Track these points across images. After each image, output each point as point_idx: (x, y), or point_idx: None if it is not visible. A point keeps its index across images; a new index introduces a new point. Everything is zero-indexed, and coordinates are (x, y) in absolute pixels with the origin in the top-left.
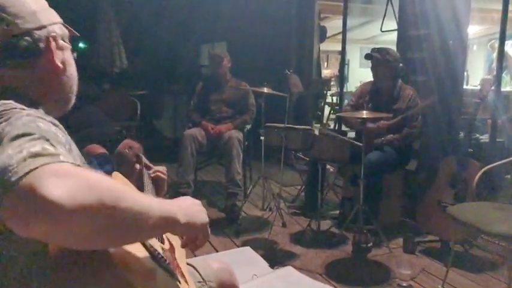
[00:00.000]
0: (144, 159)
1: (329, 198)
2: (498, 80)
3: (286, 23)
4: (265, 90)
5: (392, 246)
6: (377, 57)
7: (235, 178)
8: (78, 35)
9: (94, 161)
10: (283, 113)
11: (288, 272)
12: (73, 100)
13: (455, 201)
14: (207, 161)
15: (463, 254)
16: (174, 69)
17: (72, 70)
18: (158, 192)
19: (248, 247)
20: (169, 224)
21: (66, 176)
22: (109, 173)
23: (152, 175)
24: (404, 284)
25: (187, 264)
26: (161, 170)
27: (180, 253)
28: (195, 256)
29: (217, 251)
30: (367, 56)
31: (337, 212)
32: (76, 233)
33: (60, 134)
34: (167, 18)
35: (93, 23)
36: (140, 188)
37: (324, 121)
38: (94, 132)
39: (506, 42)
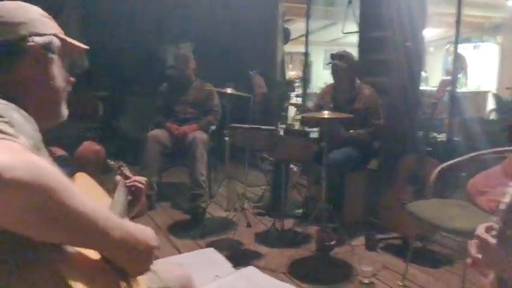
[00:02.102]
0: (126, 170)
1: (293, 197)
2: (453, 82)
3: (250, 25)
4: (229, 90)
5: (355, 244)
6: (337, 64)
7: (200, 179)
8: (84, 47)
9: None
10: (248, 113)
11: (250, 271)
12: (60, 115)
13: (415, 198)
14: (171, 162)
15: (422, 249)
16: (138, 70)
17: (56, 84)
18: (135, 203)
19: (211, 248)
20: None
21: (17, 152)
22: (69, 175)
23: (129, 184)
24: (366, 281)
25: None
26: (139, 179)
27: None
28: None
29: (180, 253)
30: (330, 63)
31: (301, 211)
32: (11, 206)
33: (31, 130)
34: (132, 18)
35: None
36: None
37: (289, 121)
38: (53, 134)
39: (462, 45)
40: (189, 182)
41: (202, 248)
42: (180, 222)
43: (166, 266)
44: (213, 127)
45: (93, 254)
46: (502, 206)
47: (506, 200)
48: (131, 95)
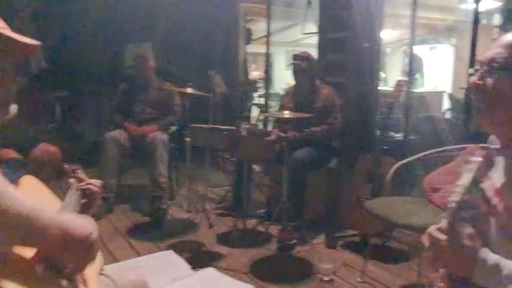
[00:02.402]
0: (80, 173)
1: (256, 197)
2: (409, 82)
3: (211, 24)
4: (189, 90)
5: (315, 242)
6: (299, 65)
7: (160, 181)
8: (32, 42)
9: (5, 166)
10: (208, 113)
11: (208, 273)
12: (5, 111)
13: (373, 196)
14: (131, 164)
15: (381, 246)
16: (96, 70)
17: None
18: (89, 206)
19: (170, 250)
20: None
21: None
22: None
23: (83, 187)
24: (326, 278)
25: (101, 274)
26: (93, 182)
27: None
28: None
29: (140, 256)
30: (292, 63)
31: (264, 210)
32: None
33: None
34: (90, 17)
35: (8, 22)
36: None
37: (253, 122)
38: (7, 135)
39: (418, 46)
40: (149, 183)
41: (162, 250)
42: (140, 224)
43: (120, 271)
44: (174, 127)
45: (29, 253)
46: (450, 204)
47: (454, 198)
48: (89, 95)
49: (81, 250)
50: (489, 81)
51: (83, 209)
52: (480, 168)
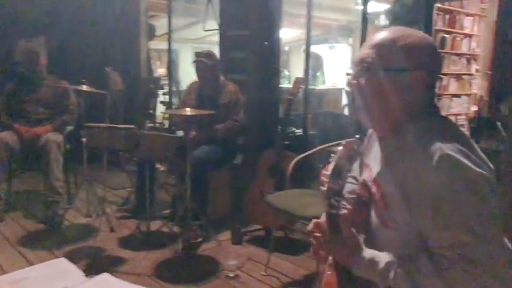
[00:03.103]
0: None
1: (162, 197)
2: (306, 80)
3: (110, 19)
4: (85, 88)
5: (221, 239)
6: (203, 61)
7: (55, 185)
8: None
9: None
10: (105, 112)
11: (103, 279)
12: None
13: (276, 190)
14: (22, 168)
15: (284, 239)
16: None
17: None
18: None
19: (62, 258)
20: None
21: None
22: None
23: None
24: (231, 275)
25: None
26: None
27: None
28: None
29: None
30: (195, 60)
31: (169, 211)
32: None
33: None
34: None
35: None
36: None
37: (159, 120)
38: None
39: (319, 45)
40: (43, 188)
41: (58, 258)
42: (34, 232)
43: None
44: (69, 127)
45: None
46: (322, 193)
47: (323, 187)
48: None
49: None
50: (361, 80)
51: None
52: (342, 158)
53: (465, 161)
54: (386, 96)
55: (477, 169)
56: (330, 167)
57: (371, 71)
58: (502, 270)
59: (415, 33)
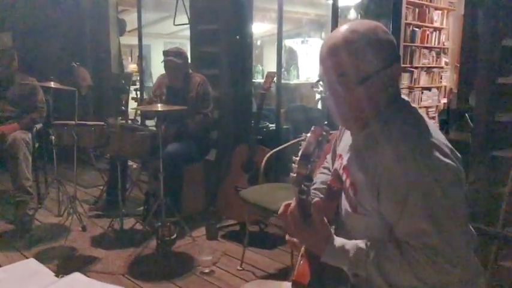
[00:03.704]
0: None
1: (134, 195)
2: (279, 74)
3: (78, 14)
4: (52, 84)
5: (196, 235)
6: (173, 61)
7: (24, 185)
8: None
9: None
10: (74, 109)
11: (74, 278)
12: None
13: (249, 185)
14: None
15: (259, 233)
16: None
17: None
18: None
19: (32, 259)
20: None
21: None
22: None
23: None
24: (206, 270)
25: None
26: None
27: None
28: None
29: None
30: (164, 60)
31: (142, 208)
32: None
33: None
34: None
35: None
36: None
37: (132, 116)
38: None
39: (292, 40)
40: (12, 188)
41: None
42: (4, 233)
43: None
44: (38, 125)
45: None
46: (292, 179)
47: (292, 173)
48: None
49: None
50: (328, 89)
51: None
52: (310, 143)
53: (431, 151)
54: (370, 101)
55: (443, 159)
56: (299, 152)
57: (348, 79)
58: (464, 258)
59: (369, 26)
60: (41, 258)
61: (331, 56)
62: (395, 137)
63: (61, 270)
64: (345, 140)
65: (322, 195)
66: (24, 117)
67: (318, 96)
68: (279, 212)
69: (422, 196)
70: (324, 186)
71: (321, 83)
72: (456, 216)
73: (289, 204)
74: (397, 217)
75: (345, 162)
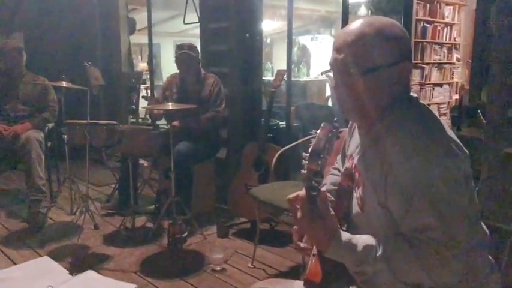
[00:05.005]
0: None
1: (145, 193)
2: (289, 72)
3: (88, 13)
4: (64, 84)
5: (207, 233)
6: (187, 53)
7: (38, 183)
8: None
9: None
10: (86, 108)
11: (87, 276)
12: None
13: (260, 183)
14: (3, 167)
15: (270, 231)
16: None
17: None
18: None
19: (46, 257)
20: None
21: None
22: None
23: None
24: (217, 268)
25: None
26: None
27: None
28: None
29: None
30: (181, 52)
31: (153, 206)
32: None
33: None
34: None
35: None
36: None
37: (142, 115)
38: None
39: (302, 37)
40: (25, 187)
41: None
42: (18, 232)
43: None
44: (50, 124)
45: None
46: (302, 175)
47: (303, 168)
48: None
49: None
50: (338, 82)
51: None
52: (320, 139)
53: (438, 148)
54: (374, 94)
55: (449, 156)
56: (310, 149)
57: (345, 72)
58: (470, 252)
59: (386, 22)
60: (54, 256)
61: (342, 44)
62: (402, 134)
63: (74, 268)
64: (354, 141)
65: (332, 198)
66: (36, 116)
67: (328, 93)
68: (289, 196)
69: (428, 193)
70: (334, 187)
71: (330, 74)
72: (463, 213)
73: (300, 195)
74: (404, 213)
75: (355, 161)
